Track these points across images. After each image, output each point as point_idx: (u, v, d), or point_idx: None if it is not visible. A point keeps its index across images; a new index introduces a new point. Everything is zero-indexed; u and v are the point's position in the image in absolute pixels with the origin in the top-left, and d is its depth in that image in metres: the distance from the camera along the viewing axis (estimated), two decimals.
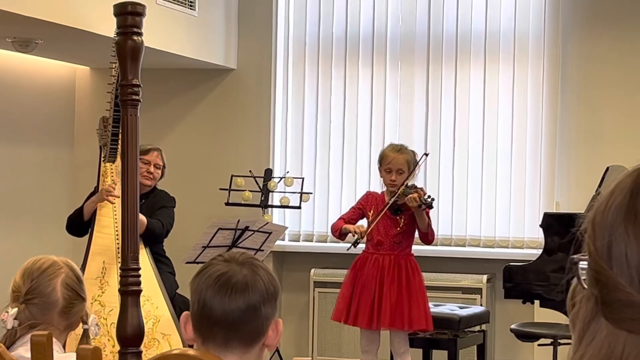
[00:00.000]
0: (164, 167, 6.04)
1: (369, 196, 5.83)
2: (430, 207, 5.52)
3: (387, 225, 5.65)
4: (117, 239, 5.21)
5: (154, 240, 5.76)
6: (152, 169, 5.91)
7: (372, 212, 5.71)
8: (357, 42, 7.19)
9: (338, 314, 5.71)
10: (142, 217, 5.59)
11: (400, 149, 5.69)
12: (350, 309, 5.63)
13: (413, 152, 5.73)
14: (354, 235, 5.58)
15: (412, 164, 5.65)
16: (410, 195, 5.47)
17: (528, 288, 5.76)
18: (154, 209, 5.81)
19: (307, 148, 7.30)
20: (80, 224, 5.62)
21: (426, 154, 5.85)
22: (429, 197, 5.50)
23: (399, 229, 5.65)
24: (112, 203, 5.41)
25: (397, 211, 5.59)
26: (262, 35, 7.30)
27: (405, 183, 5.59)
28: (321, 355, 7.06)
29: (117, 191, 5.24)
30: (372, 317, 5.57)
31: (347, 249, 5.65)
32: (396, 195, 5.56)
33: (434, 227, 6.66)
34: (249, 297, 2.15)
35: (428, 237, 5.67)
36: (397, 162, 5.61)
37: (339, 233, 5.69)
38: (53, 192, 7.36)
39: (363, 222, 5.84)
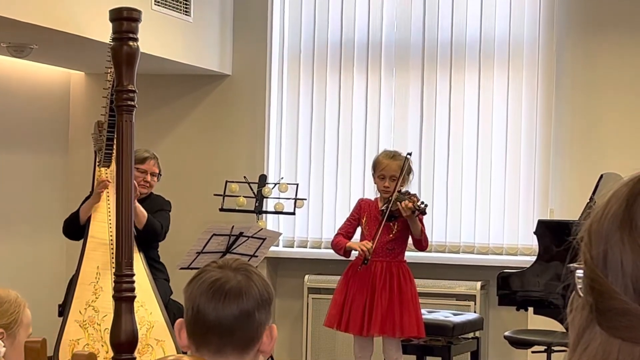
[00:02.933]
0: (159, 174, 6.06)
1: (361, 204, 5.83)
2: (424, 213, 5.52)
3: (381, 232, 5.65)
4: (112, 245, 5.20)
5: (152, 239, 5.78)
6: (148, 177, 5.94)
7: (365, 219, 5.72)
8: (352, 49, 7.20)
9: (331, 319, 5.72)
10: (142, 210, 5.61)
11: (393, 155, 5.69)
12: (342, 315, 5.63)
13: (407, 158, 5.72)
14: (361, 254, 5.56)
15: (405, 171, 5.65)
16: (404, 203, 5.47)
17: (522, 295, 5.76)
18: (152, 212, 5.82)
19: (302, 154, 7.30)
20: (76, 228, 5.62)
21: (409, 154, 5.77)
22: (422, 202, 5.50)
23: (391, 235, 5.65)
24: (106, 188, 5.41)
25: (391, 218, 5.60)
26: (257, 41, 7.31)
27: (399, 189, 5.59)
28: None
29: (112, 189, 5.25)
30: (364, 323, 5.57)
31: (359, 269, 5.61)
32: (391, 203, 5.56)
33: (428, 233, 6.67)
34: (243, 303, 2.15)
35: (422, 244, 5.67)
36: (391, 169, 5.61)
37: (344, 251, 5.69)
38: (47, 198, 7.35)
39: (358, 231, 5.83)
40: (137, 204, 5.56)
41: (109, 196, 5.43)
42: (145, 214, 5.66)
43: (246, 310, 2.15)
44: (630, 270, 0.90)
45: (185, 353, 2.28)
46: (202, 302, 2.16)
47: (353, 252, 5.68)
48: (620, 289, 0.90)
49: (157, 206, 5.96)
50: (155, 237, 5.80)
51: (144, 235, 5.61)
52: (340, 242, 5.71)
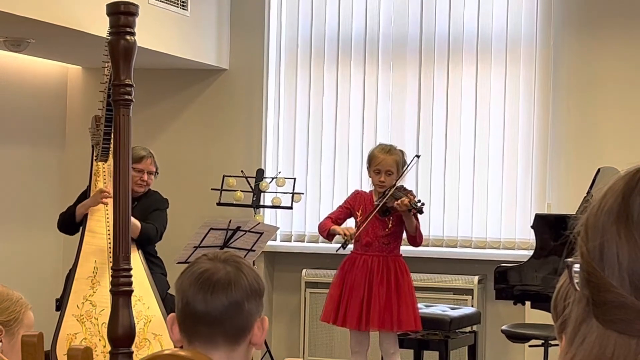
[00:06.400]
0: (157, 172, 6.05)
1: (357, 195, 5.82)
2: (421, 212, 5.51)
3: (376, 227, 5.65)
4: (109, 239, 5.21)
5: (147, 244, 5.78)
6: (145, 177, 5.93)
7: (360, 212, 5.71)
8: (349, 43, 7.20)
9: (327, 314, 5.71)
10: (135, 222, 5.60)
11: (389, 149, 5.68)
12: (339, 310, 5.63)
13: (402, 152, 5.72)
14: (343, 238, 5.57)
15: (401, 165, 5.64)
16: (401, 200, 5.46)
17: (519, 289, 5.77)
18: (148, 211, 5.82)
19: (299, 148, 7.30)
20: (71, 224, 5.62)
21: (417, 156, 5.83)
22: (419, 201, 5.49)
23: (387, 230, 5.65)
24: (106, 204, 5.41)
25: (386, 212, 5.59)
26: (254, 35, 7.30)
27: (395, 185, 5.59)
28: (312, 355, 7.06)
29: (110, 189, 5.24)
30: (361, 318, 5.57)
31: (337, 250, 5.65)
32: (386, 198, 5.55)
33: (426, 227, 6.68)
34: (232, 294, 2.15)
35: (416, 240, 5.67)
36: (386, 163, 5.61)
37: (327, 233, 5.69)
38: (44, 193, 7.35)
39: (351, 222, 5.84)
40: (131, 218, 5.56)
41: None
42: (139, 225, 5.61)
43: (235, 300, 2.15)
44: (626, 263, 0.90)
45: (181, 347, 2.28)
46: (191, 294, 2.17)
47: (337, 236, 5.68)
48: (617, 282, 0.90)
49: (154, 205, 5.95)
50: (149, 243, 5.80)
51: (139, 242, 5.61)
52: (326, 224, 5.71)
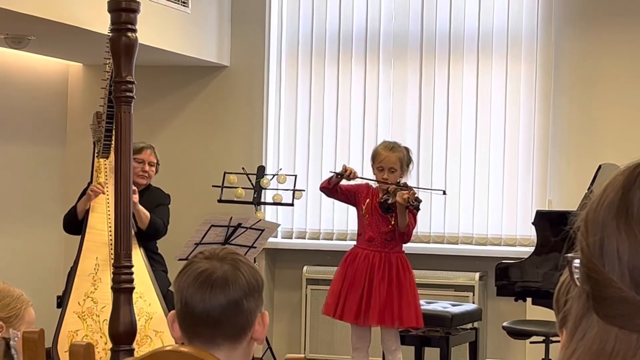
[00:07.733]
0: (157, 163, 6.06)
1: (367, 189, 5.79)
2: (417, 209, 5.52)
3: (379, 223, 5.65)
4: (110, 236, 5.21)
5: (154, 237, 5.79)
6: (146, 167, 5.94)
7: (365, 204, 5.69)
8: (350, 40, 7.19)
9: (328, 308, 5.71)
10: (145, 212, 5.62)
11: (392, 147, 5.68)
12: (339, 303, 5.63)
13: (406, 149, 5.72)
14: (344, 171, 5.57)
15: (405, 162, 5.64)
16: (401, 192, 5.46)
17: (520, 285, 5.77)
18: (151, 207, 5.82)
19: (300, 145, 7.30)
20: (75, 223, 5.62)
21: (444, 192, 5.93)
22: (417, 198, 5.49)
23: (390, 226, 5.65)
24: (94, 197, 5.41)
25: (388, 209, 5.59)
26: (255, 32, 7.30)
27: (399, 182, 5.59)
28: (314, 352, 7.06)
29: (110, 187, 5.25)
30: (360, 312, 5.57)
31: (330, 172, 5.64)
32: (387, 193, 5.55)
33: (427, 224, 6.68)
34: (230, 293, 2.15)
35: (403, 238, 5.66)
36: (390, 161, 5.60)
37: (328, 181, 5.63)
38: (45, 189, 7.35)
39: (352, 211, 5.84)
40: (140, 207, 5.57)
41: (107, 187, 5.43)
42: (148, 214, 5.65)
43: (234, 299, 2.15)
44: (626, 258, 0.90)
45: (182, 344, 2.28)
46: (190, 293, 2.16)
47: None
48: (617, 277, 0.90)
49: (157, 200, 5.96)
50: (157, 236, 5.82)
51: (146, 234, 5.62)
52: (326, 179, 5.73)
